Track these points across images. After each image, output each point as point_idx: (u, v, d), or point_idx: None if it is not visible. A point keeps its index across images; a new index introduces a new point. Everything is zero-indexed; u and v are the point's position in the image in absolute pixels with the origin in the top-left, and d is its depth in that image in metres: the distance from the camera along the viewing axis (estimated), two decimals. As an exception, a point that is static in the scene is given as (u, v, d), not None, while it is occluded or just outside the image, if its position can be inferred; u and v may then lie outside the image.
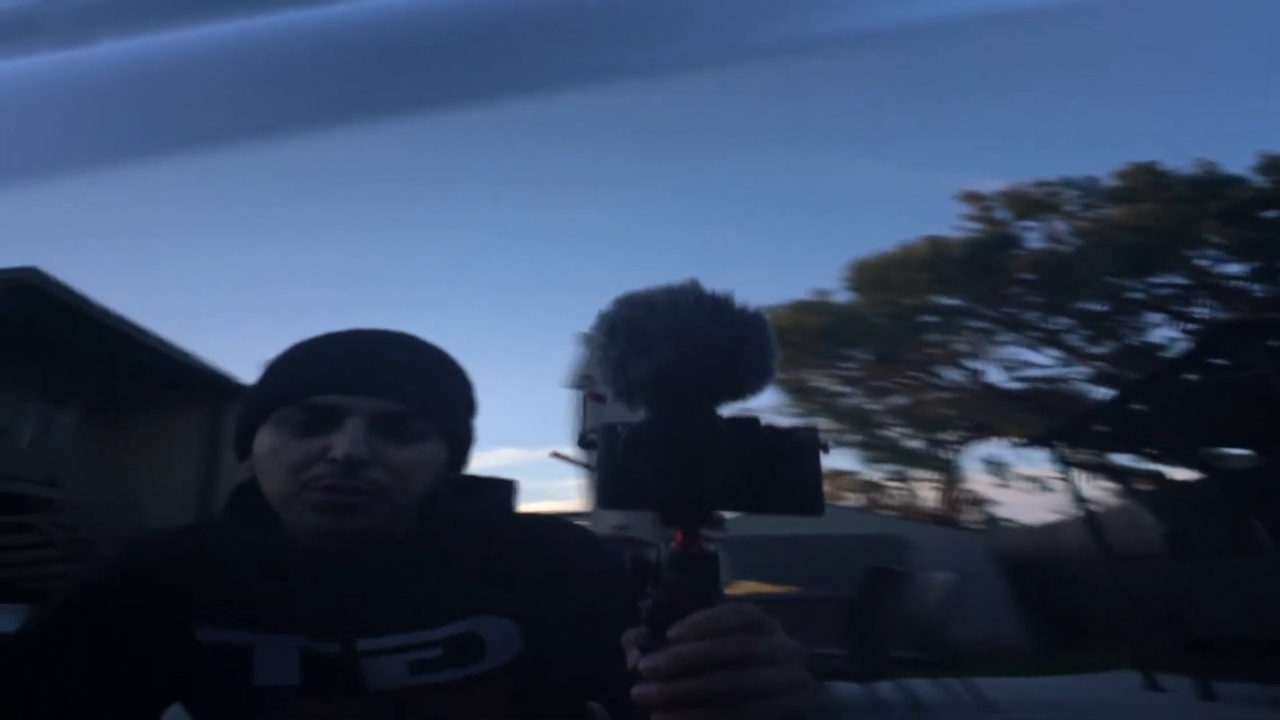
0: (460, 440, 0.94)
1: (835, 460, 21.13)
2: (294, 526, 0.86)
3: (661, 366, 0.55)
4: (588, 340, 0.60)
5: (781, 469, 0.56)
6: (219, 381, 9.34)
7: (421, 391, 0.89)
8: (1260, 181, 16.25)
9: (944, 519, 18.64)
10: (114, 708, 0.87)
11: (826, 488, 0.58)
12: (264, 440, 0.86)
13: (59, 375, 8.79)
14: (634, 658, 0.57)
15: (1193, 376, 6.97)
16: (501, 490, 1.01)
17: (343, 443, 0.83)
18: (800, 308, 19.96)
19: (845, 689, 4.72)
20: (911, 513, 19.80)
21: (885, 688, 4.82)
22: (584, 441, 0.59)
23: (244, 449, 0.90)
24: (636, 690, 0.55)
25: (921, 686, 5.18)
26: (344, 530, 0.83)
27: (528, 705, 0.90)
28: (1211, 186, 16.56)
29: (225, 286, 32.18)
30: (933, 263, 18.43)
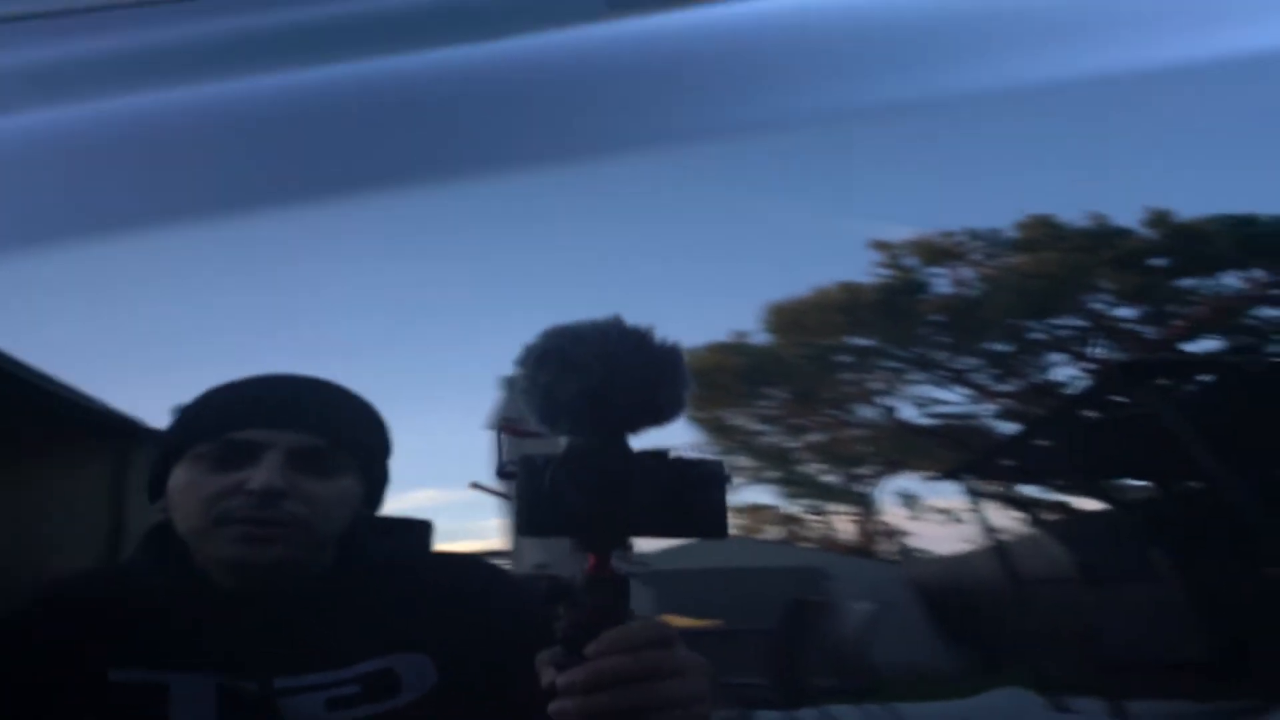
0: (376, 478, 0.97)
1: (754, 495, 21.40)
2: (211, 561, 0.85)
3: (590, 390, 0.58)
4: (511, 376, 0.63)
5: (690, 497, 0.60)
6: (125, 426, 8.98)
7: (338, 428, 0.91)
8: (1147, 233, 17.34)
9: (861, 551, 19.01)
10: None
11: (749, 521, 0.61)
12: (179, 477, 0.87)
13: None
14: (549, 675, 0.59)
15: (1092, 413, 7.32)
16: (417, 530, 1.03)
17: (259, 475, 0.83)
18: (719, 349, 20.22)
19: (769, 717, 4.73)
20: (830, 545, 20.12)
21: (808, 715, 4.84)
22: (503, 472, 0.64)
23: (158, 489, 0.90)
24: (553, 706, 0.58)
25: (844, 712, 5.22)
26: (261, 561, 0.83)
27: None
28: (1104, 237, 17.57)
29: (131, 331, 30.90)
30: (847, 306, 18.97)
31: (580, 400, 0.58)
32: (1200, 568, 6.28)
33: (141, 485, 0.97)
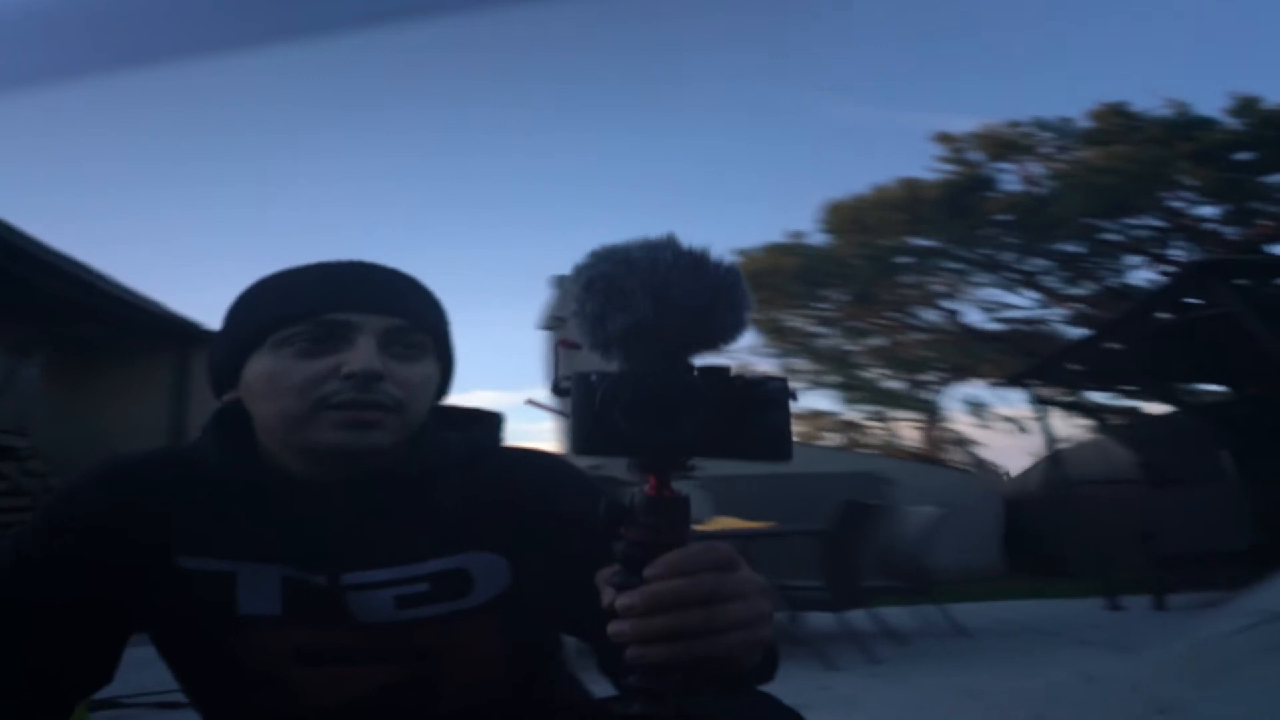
0: (449, 362, 0.93)
1: (814, 401, 21.26)
2: (305, 450, 0.82)
3: (640, 322, 0.56)
4: (562, 286, 0.58)
5: (752, 418, 0.58)
6: (185, 328, 9.26)
7: (417, 309, 0.88)
8: (1232, 123, 16.30)
9: (926, 457, 18.89)
10: (85, 631, 0.84)
11: (805, 428, 0.57)
12: (261, 365, 0.83)
13: (22, 325, 8.65)
14: (609, 596, 0.58)
15: (1165, 315, 7.07)
16: (489, 422, 0.98)
17: (358, 357, 0.80)
18: (775, 249, 19.92)
19: (821, 619, 4.81)
20: (893, 451, 20.00)
21: (860, 616, 4.91)
22: (558, 389, 0.60)
23: (228, 380, 0.87)
24: (612, 627, 0.57)
25: (897, 614, 5.30)
26: (364, 447, 0.81)
27: (512, 639, 0.89)
28: (1183, 128, 16.59)
29: (188, 234, 31.60)
30: (907, 204, 18.41)
31: (629, 333, 0.56)
32: (1266, 468, 6.21)
33: (203, 386, 0.95)
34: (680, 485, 0.60)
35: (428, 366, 0.87)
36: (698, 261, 0.57)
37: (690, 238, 0.59)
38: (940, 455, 20.11)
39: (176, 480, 0.87)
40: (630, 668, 0.57)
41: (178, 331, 9.18)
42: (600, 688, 0.85)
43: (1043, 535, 10.33)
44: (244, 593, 0.84)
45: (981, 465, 18.60)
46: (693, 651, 0.56)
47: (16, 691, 0.81)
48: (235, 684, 0.86)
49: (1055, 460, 8.84)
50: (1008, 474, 15.03)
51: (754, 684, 0.76)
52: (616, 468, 0.59)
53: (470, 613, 0.87)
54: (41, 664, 0.82)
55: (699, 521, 4.95)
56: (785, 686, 0.80)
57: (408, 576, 0.85)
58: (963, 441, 21.14)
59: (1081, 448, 10.77)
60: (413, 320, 0.86)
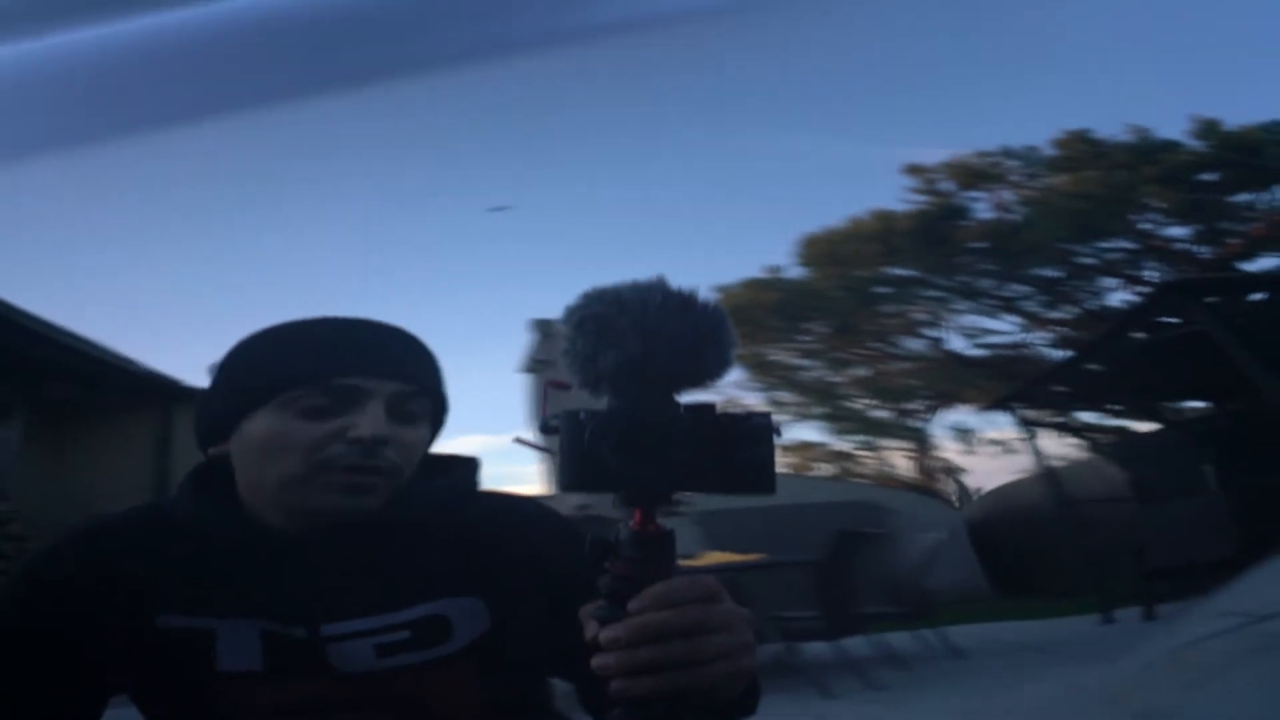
0: (440, 423, 0.95)
1: (802, 432, 21.25)
2: (297, 511, 0.83)
3: (630, 360, 0.57)
4: (543, 330, 0.60)
5: (737, 452, 0.59)
6: (166, 386, 9.19)
7: (421, 374, 0.89)
8: (1195, 145, 16.64)
9: (920, 486, 18.86)
10: (64, 695, 0.84)
11: (795, 459, 0.59)
12: (264, 423, 0.83)
13: (0, 389, 8.57)
14: (593, 630, 0.59)
15: (1141, 335, 7.17)
16: (465, 468, 0.99)
17: (367, 424, 0.81)
18: (753, 285, 20.04)
19: (816, 648, 4.78)
20: (887, 480, 19.97)
21: (856, 643, 4.89)
22: (546, 428, 0.61)
23: (221, 434, 0.87)
24: (596, 660, 0.57)
25: (894, 639, 5.28)
26: (358, 510, 0.81)
27: (494, 682, 0.89)
28: (1148, 152, 16.91)
29: (166, 294, 31.46)
30: (882, 235, 18.60)
31: (620, 370, 0.57)
32: (1247, 479, 6.29)
33: (186, 445, 0.94)
34: (673, 521, 0.61)
35: (424, 429, 0.89)
36: (686, 302, 0.59)
37: (668, 276, 0.61)
38: (932, 483, 20.13)
39: (154, 537, 0.87)
40: (614, 700, 0.57)
41: (159, 389, 9.11)
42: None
43: (1030, 554, 10.33)
44: (224, 649, 0.83)
45: (963, 490, 18.62)
46: (677, 683, 0.56)
47: None
48: None
49: (1048, 479, 8.88)
50: (979, 491, 15.10)
51: (737, 716, 0.77)
52: (605, 507, 0.61)
53: (450, 659, 0.87)
54: None
55: (691, 557, 4.92)
56: (781, 718, 0.79)
57: (387, 625, 0.85)
58: (951, 469, 21.19)
59: (1072, 467, 10.82)
60: (418, 384, 0.87)
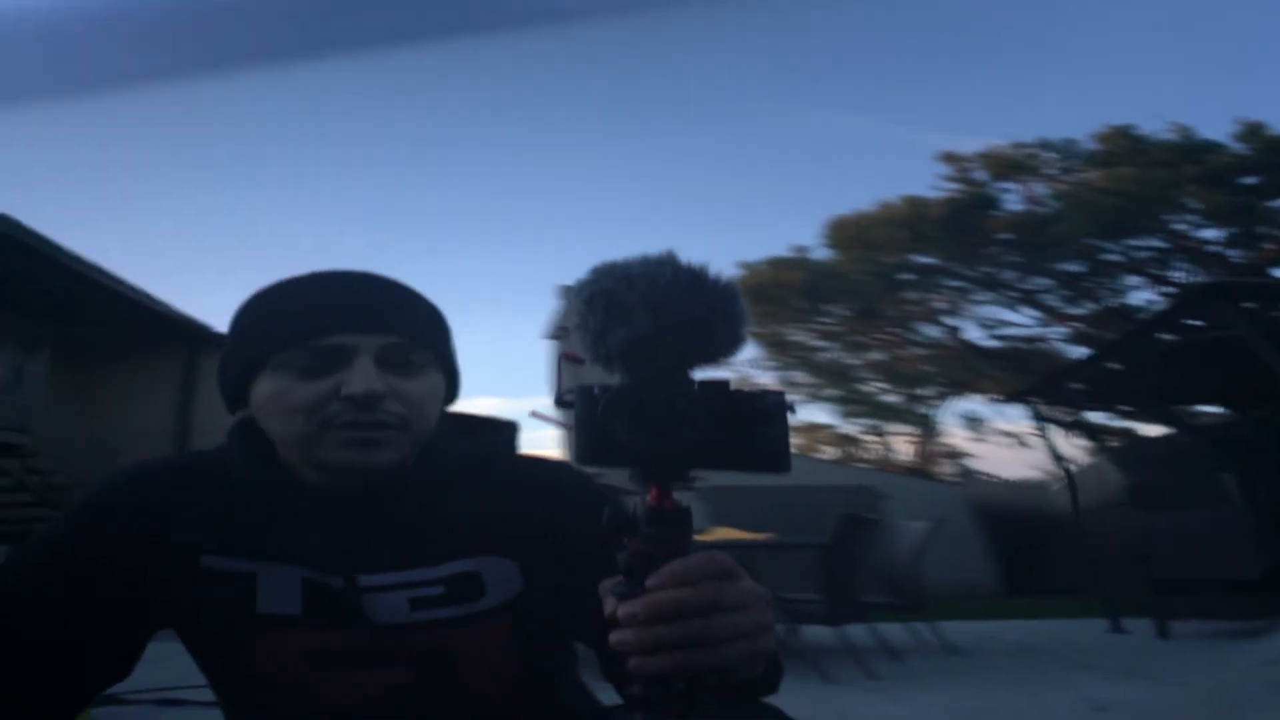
0: (454, 371, 0.94)
1: (812, 414, 21.27)
2: (317, 464, 0.84)
3: (639, 337, 0.57)
4: (567, 298, 0.60)
5: (751, 430, 0.59)
6: (193, 329, 9.24)
7: (415, 323, 0.89)
8: (1238, 148, 16.34)
9: (918, 471, 18.89)
10: (111, 625, 0.86)
11: (805, 440, 0.59)
12: (265, 387, 0.84)
13: (31, 323, 8.67)
14: (611, 605, 0.59)
15: (1168, 337, 7.07)
16: (504, 430, 1.00)
17: (355, 379, 0.82)
18: (779, 264, 19.97)
19: (817, 632, 4.80)
20: (887, 466, 20.00)
21: (856, 631, 4.91)
22: (561, 402, 0.61)
23: (238, 401, 0.89)
24: (614, 636, 0.58)
25: (891, 630, 5.30)
26: (373, 464, 0.82)
27: (523, 645, 0.91)
28: (1189, 152, 16.63)
29: (198, 235, 31.68)
30: (911, 222, 18.44)
31: (630, 346, 0.57)
32: (1268, 491, 6.16)
33: (209, 389, 0.96)
34: (680, 495, 0.60)
35: (431, 378, 0.88)
36: (696, 278, 0.58)
37: (694, 250, 0.59)
38: (931, 469, 20.13)
39: (202, 484, 0.90)
40: (633, 677, 0.57)
41: (186, 333, 9.16)
42: (606, 694, 0.86)
43: (1037, 551, 10.31)
44: (264, 592, 0.86)
45: (969, 476, 18.59)
46: (694, 661, 0.56)
47: (39, 683, 0.83)
48: (250, 684, 0.89)
49: (1058, 476, 8.84)
50: (997, 478, 15.01)
51: (757, 695, 0.77)
52: (618, 476, 0.60)
53: (482, 616, 0.88)
54: (66, 657, 0.84)
55: (698, 531, 4.92)
56: (782, 699, 0.81)
57: (421, 579, 0.87)
58: (955, 455, 21.19)
59: (1083, 467, 10.79)
60: (410, 336, 0.87)
